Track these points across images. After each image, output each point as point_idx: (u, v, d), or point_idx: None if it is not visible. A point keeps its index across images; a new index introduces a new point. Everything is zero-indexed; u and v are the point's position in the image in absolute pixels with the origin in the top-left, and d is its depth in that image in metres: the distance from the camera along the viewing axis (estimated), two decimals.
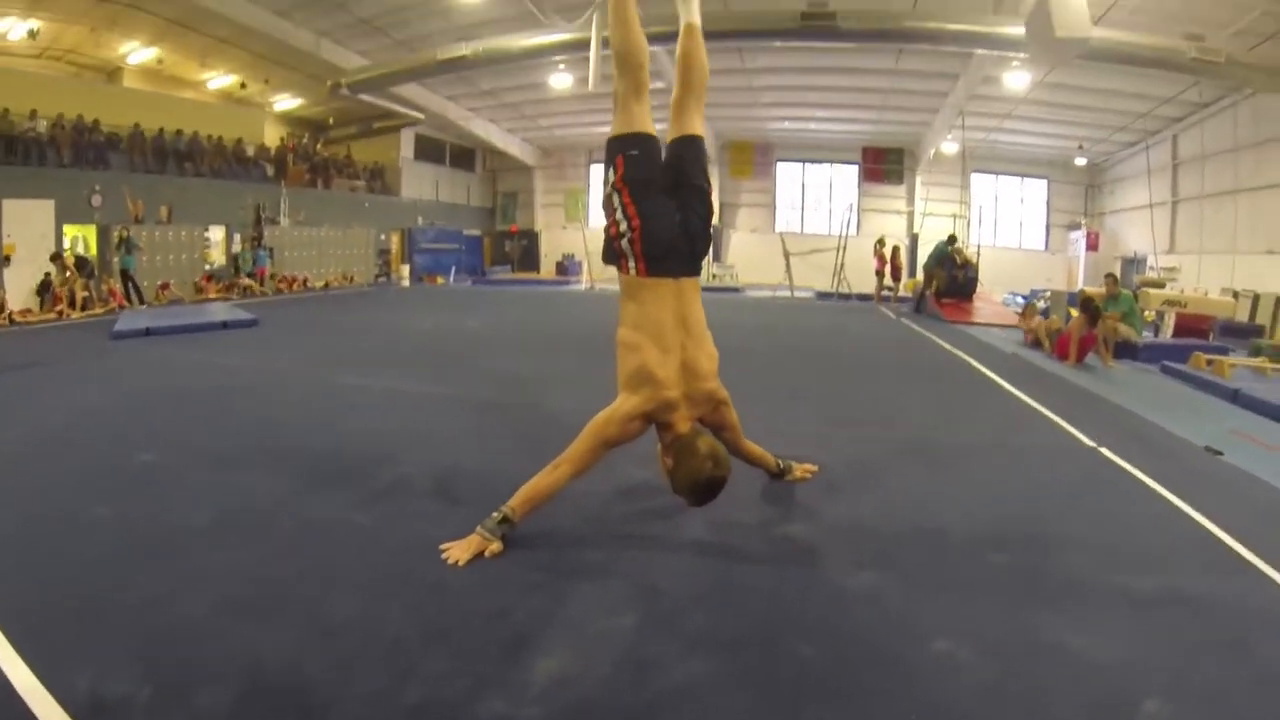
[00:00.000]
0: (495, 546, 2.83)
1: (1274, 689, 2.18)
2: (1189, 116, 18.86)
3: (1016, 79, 15.94)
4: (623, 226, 3.16)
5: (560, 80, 18.82)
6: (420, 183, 25.75)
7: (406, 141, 24.86)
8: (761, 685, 2.09)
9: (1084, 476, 4.39)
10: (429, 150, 26.00)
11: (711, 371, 3.21)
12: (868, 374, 8.14)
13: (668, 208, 3.21)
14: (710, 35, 15.60)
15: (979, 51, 14.40)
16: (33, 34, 15.52)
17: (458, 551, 2.81)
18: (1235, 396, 7.46)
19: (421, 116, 21.88)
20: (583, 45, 13.70)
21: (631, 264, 3.17)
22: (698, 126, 3.48)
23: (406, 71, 16.87)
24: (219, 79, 20.54)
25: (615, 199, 3.21)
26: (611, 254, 3.27)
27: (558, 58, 16.19)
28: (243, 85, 20.67)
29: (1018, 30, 11.51)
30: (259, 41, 16.56)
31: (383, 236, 23.54)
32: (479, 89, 21.04)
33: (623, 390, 3.08)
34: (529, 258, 28.30)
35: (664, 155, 3.39)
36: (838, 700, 2.05)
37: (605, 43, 13.34)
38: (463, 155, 27.96)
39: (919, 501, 3.77)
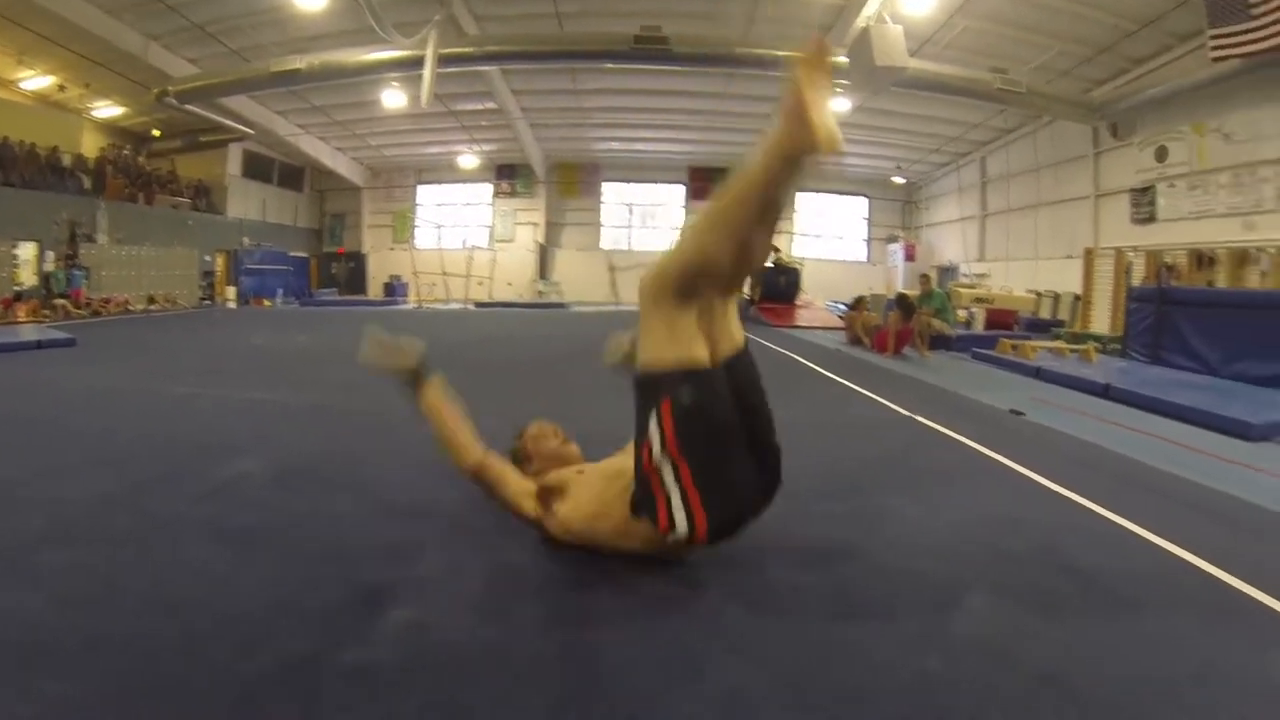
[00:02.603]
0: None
1: (1086, 579, 2.54)
2: (996, 140, 20.94)
3: (839, 104, 17.01)
4: (679, 521, 2.18)
5: (392, 99, 18.52)
6: (247, 202, 24.51)
7: (234, 158, 23.63)
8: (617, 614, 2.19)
9: (903, 440, 4.85)
10: (257, 168, 24.81)
11: None
12: None
13: (745, 470, 2.28)
14: (543, 56, 15.82)
15: None
16: None
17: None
18: (1038, 373, 8.48)
19: (250, 131, 20.85)
20: (417, 63, 13.58)
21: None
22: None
23: (238, 82, 16.08)
24: (36, 79, 18.71)
25: (667, 474, 2.19)
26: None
27: (392, 75, 15.91)
28: (61, 88, 18.94)
29: (841, 59, 12.38)
30: (84, 41, 15.25)
31: (208, 257, 22.24)
32: (310, 104, 20.37)
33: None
34: (356, 280, 27.49)
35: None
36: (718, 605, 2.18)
37: (441, 60, 13.43)
38: (291, 174, 26.85)
39: None
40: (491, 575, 2.48)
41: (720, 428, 2.20)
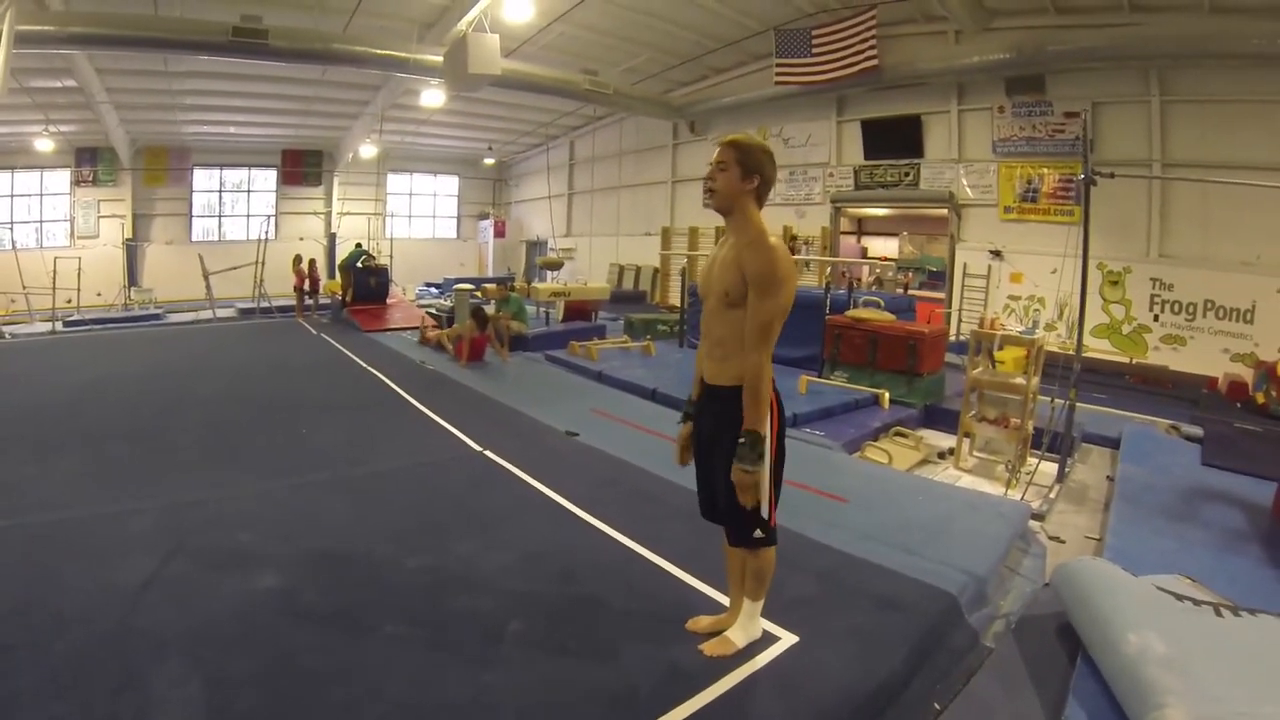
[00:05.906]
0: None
1: (590, 603, 3.58)
2: (585, 126, 23.15)
3: (434, 95, 17.44)
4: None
5: None
6: None
7: None
8: None
9: (474, 479, 5.58)
10: None
11: None
12: (297, 415, 7.70)
13: None
14: (134, 43, 13.91)
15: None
16: None
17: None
18: (600, 377, 9.46)
19: None
20: None
21: None
22: None
23: None
24: None
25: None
26: None
27: None
28: None
29: (437, 58, 12.89)
30: None
31: None
32: None
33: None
34: None
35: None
36: None
37: (19, 39, 10.95)
38: None
39: (353, 534, 4.46)
40: None
41: None
